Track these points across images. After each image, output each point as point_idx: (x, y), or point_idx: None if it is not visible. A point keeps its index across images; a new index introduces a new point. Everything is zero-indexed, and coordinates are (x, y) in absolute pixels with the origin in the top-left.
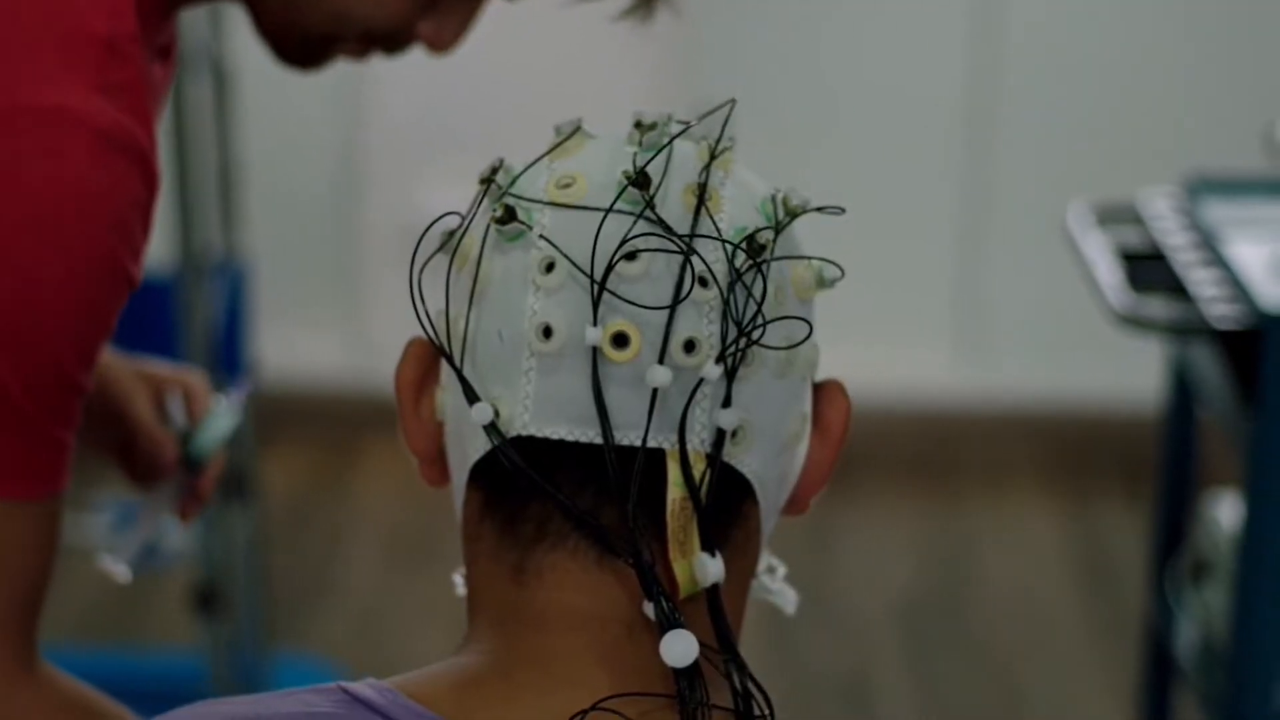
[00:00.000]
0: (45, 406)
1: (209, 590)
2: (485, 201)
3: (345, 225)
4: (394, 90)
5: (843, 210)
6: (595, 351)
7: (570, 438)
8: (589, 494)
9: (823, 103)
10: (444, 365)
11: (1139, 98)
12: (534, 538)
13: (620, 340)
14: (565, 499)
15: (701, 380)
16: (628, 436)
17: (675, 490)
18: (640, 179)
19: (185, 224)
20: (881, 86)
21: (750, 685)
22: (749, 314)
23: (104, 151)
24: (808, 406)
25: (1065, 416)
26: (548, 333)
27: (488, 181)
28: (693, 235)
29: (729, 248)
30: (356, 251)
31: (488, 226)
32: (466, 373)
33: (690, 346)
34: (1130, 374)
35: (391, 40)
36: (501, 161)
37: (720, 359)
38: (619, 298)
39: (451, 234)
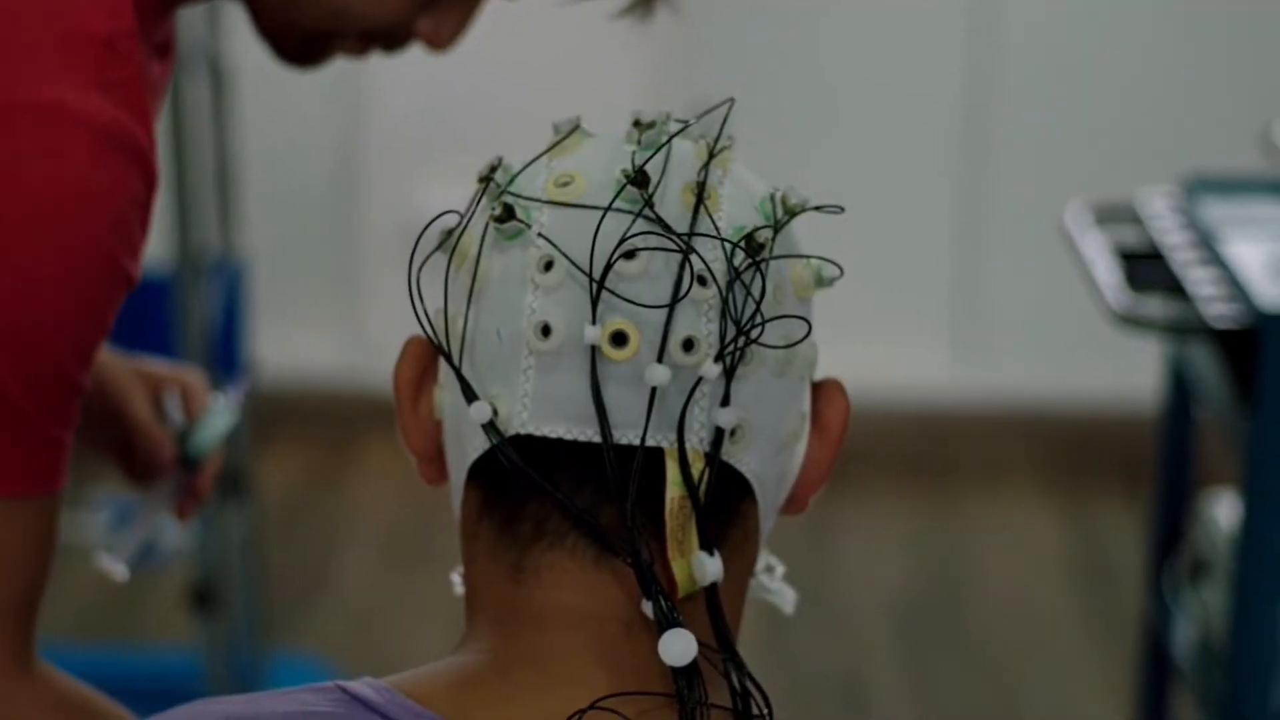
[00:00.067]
0: (44, 406)
1: (206, 589)
2: (484, 200)
3: (343, 224)
4: (392, 89)
5: (841, 209)
6: (594, 350)
7: (569, 436)
8: (587, 493)
9: (821, 102)
10: (442, 364)
11: (1137, 97)
12: (532, 536)
13: (619, 339)
14: (563, 498)
15: (700, 379)
16: (626, 435)
17: (674, 489)
18: (639, 177)
19: (183, 222)
20: (880, 85)
21: (749, 684)
22: (748, 313)
23: (103, 150)
24: (806, 405)
25: (1063, 416)
26: (546, 331)
27: (486, 180)
28: (691, 234)
29: (728, 246)
30: (355, 250)
31: (486, 225)
32: (465, 371)
33: (689, 345)
34: (1128, 373)
35: (390, 38)
36: (500, 160)
37: (719, 358)
38: (618, 296)
39: (450, 232)
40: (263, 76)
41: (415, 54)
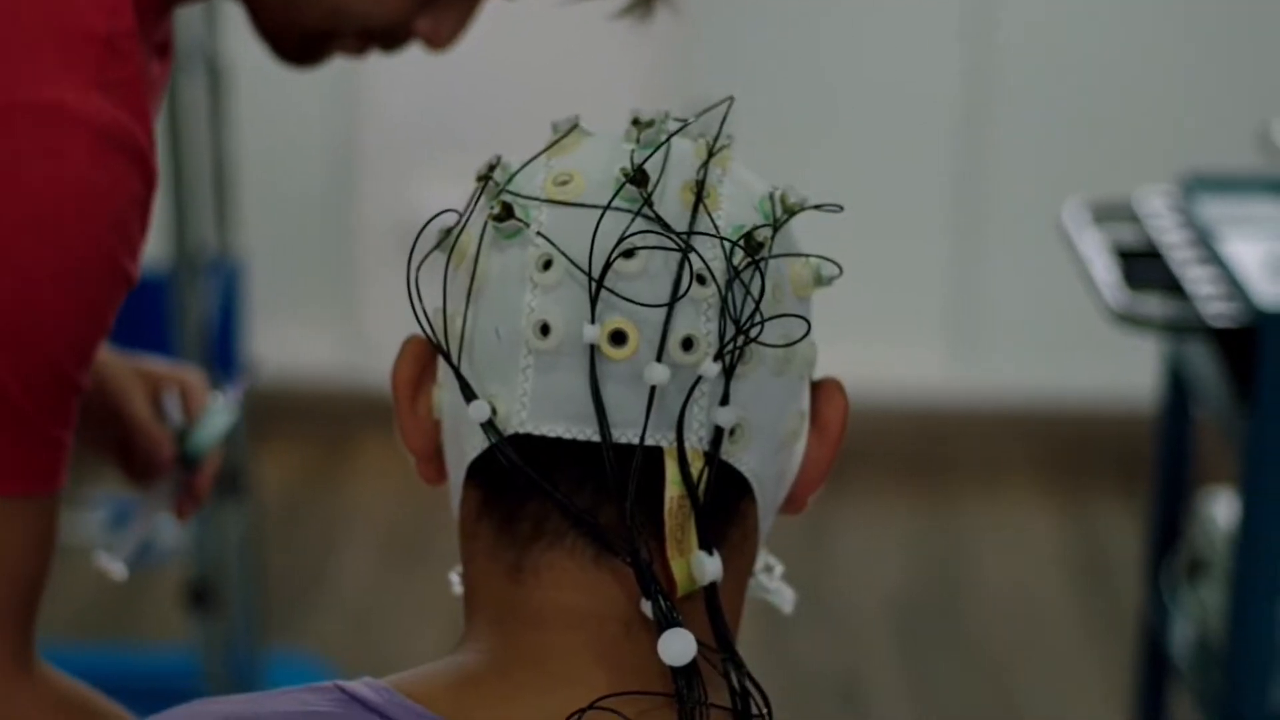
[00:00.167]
0: (43, 405)
1: (203, 587)
2: (483, 199)
3: (341, 223)
4: (391, 88)
5: (840, 208)
6: (593, 349)
7: (568, 435)
8: (586, 492)
9: (820, 101)
10: (441, 363)
11: (1135, 96)
12: (531, 536)
13: (618, 338)
14: (563, 497)
15: (699, 378)
16: (625, 434)
17: (673, 488)
18: (638, 176)
19: (180, 221)
20: (878, 85)
21: (748, 684)
22: (747, 312)
23: (103, 150)
24: (806, 405)
25: (1061, 415)
26: (545, 330)
27: (485, 179)
28: (691, 233)
29: (727, 245)
30: (352, 249)
31: (485, 224)
32: (464, 370)
33: (688, 344)
34: (1126, 372)
35: (389, 37)
36: (499, 159)
37: (718, 357)
38: (617, 295)
39: (449, 231)
40: (260, 75)
41: (414, 53)
